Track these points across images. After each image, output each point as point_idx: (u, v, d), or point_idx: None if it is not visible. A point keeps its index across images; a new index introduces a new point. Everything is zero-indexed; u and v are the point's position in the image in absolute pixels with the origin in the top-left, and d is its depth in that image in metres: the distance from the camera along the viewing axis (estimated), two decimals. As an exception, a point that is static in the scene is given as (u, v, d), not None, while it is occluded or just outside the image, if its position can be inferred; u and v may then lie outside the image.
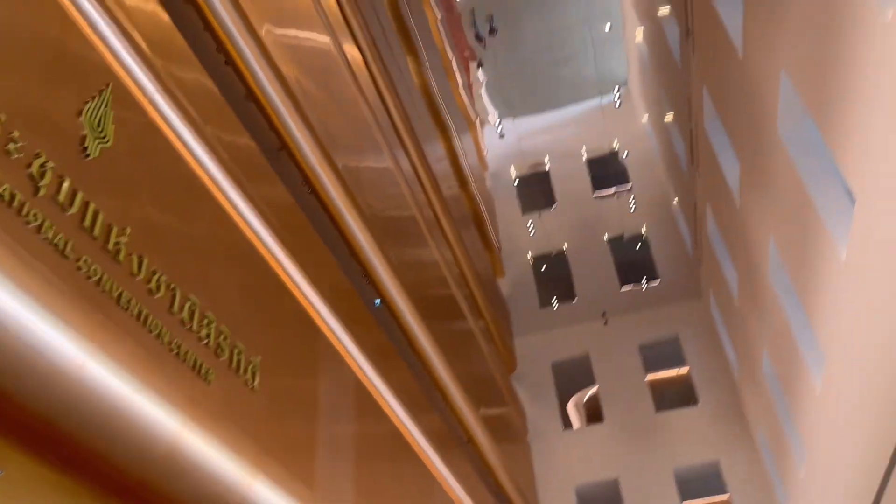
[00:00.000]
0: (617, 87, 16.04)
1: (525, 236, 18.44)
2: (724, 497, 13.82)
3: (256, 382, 3.65)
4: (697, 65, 10.43)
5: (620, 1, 14.11)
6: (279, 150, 5.97)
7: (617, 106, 16.31)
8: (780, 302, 8.85)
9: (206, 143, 4.32)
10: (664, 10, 12.33)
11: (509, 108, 16.32)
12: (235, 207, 4.57)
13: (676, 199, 16.36)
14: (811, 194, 6.32)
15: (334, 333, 5.67)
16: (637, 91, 16.45)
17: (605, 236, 18.03)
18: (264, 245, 4.86)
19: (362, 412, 5.93)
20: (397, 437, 7.04)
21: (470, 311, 12.29)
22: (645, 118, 17.19)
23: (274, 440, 3.71)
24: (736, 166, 9.62)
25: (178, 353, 3.30)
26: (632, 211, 17.49)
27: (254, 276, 4.52)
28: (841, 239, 5.94)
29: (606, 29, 14.46)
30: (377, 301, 7.64)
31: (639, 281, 17.30)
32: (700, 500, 14.16)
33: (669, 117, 14.25)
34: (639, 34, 14.98)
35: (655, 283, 17.19)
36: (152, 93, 3.83)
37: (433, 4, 13.22)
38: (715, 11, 8.53)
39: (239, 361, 3.54)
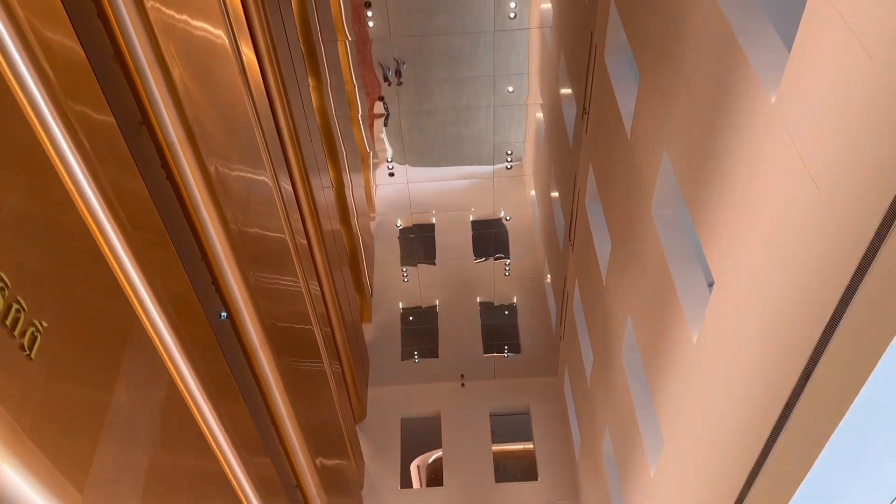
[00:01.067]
0: (510, 155, 16.46)
1: (399, 285, 18.19)
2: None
3: (34, 351, 3.00)
4: (588, 144, 10.78)
5: (528, 68, 14.56)
6: (140, 124, 5.38)
7: (508, 169, 16.70)
8: (628, 383, 9.00)
9: (49, 90, 3.73)
10: (566, 90, 12.81)
11: (405, 155, 16.27)
12: (71, 174, 3.95)
13: (549, 275, 16.74)
14: (674, 276, 6.48)
15: (160, 336, 5.02)
16: (529, 162, 16.95)
17: (478, 299, 18.13)
18: (96, 222, 4.23)
19: (172, 432, 5.22)
20: (216, 475, 6.30)
21: (327, 351, 11.71)
22: (532, 191, 17.66)
23: (39, 424, 3.05)
24: (608, 245, 9.88)
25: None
26: (507, 275, 17.76)
27: (72, 252, 3.87)
28: (695, 323, 6.08)
29: (510, 90, 14.84)
30: (223, 314, 6.98)
31: (501, 350, 17.46)
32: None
33: (555, 194, 14.66)
34: (538, 109, 15.51)
35: (517, 354, 17.40)
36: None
37: (345, 29, 13.05)
38: (612, 95, 8.86)
39: (17, 320, 2.90)
